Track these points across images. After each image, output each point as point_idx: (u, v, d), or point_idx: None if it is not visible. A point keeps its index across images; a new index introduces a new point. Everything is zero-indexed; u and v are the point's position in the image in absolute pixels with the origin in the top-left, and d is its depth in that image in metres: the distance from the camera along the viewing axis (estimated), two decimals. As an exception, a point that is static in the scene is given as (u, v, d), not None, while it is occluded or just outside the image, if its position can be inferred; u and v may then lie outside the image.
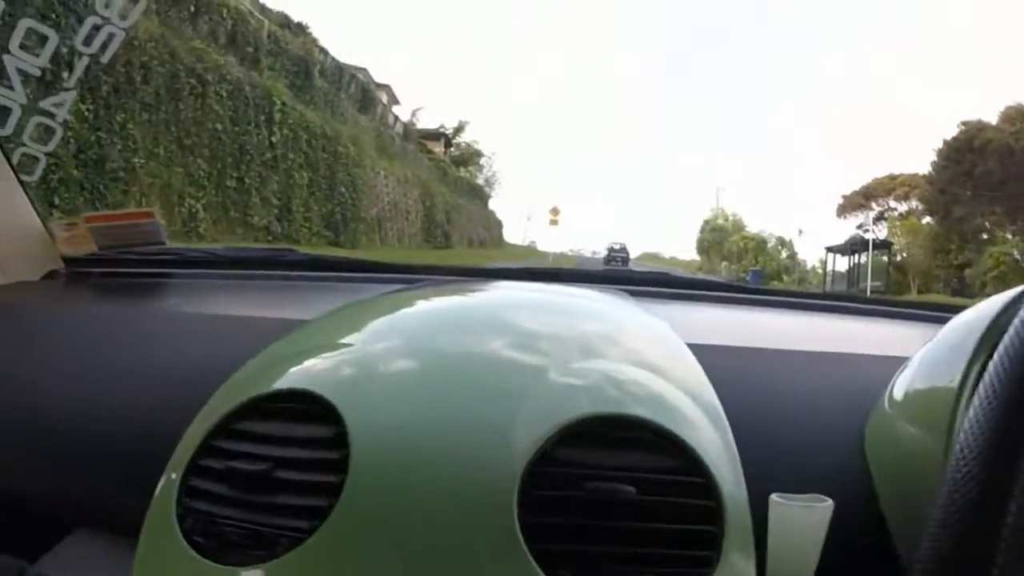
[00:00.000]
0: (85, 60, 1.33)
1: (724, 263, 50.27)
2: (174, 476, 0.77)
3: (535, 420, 0.74)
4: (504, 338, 0.91)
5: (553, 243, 35.00)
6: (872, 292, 29.26)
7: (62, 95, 1.38)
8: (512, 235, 50.10)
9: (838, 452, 0.89)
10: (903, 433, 0.85)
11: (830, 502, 0.73)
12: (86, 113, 10.41)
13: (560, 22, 75.03)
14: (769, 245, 52.88)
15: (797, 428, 0.93)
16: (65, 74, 1.39)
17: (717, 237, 54.59)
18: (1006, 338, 0.60)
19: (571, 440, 0.73)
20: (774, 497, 0.73)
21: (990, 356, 0.68)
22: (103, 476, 0.99)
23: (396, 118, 32.87)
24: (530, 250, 43.55)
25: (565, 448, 0.72)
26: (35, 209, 1.48)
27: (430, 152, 35.90)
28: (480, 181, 47.04)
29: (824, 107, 72.66)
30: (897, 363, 0.92)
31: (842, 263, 34.81)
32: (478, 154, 47.60)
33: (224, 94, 15.07)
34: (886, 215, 41.25)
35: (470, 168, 46.07)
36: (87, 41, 1.29)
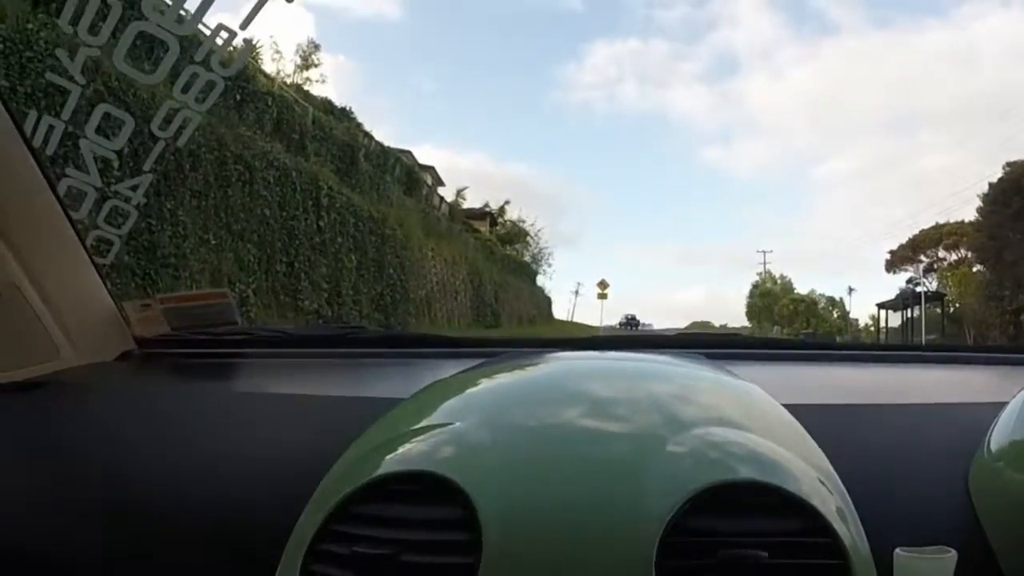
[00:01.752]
0: (161, 144, 1.35)
1: (775, 327, 49.90)
2: (293, 563, 0.76)
3: (662, 492, 0.73)
4: (612, 409, 0.90)
5: (603, 317, 34.83)
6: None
7: (137, 179, 1.40)
8: (560, 311, 50.02)
9: (945, 503, 0.88)
10: (1009, 480, 0.84)
11: (954, 553, 0.71)
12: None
13: (599, 97, 75.84)
14: (820, 306, 52.61)
15: (902, 482, 0.92)
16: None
17: (766, 301, 54.41)
18: None
19: (699, 509, 0.72)
20: (899, 552, 0.72)
21: None
22: (195, 565, 0.97)
23: (441, 199, 33.34)
24: (578, 325, 43.35)
25: (694, 517, 0.72)
26: (108, 290, 1.50)
27: (476, 231, 36.16)
28: (527, 258, 47.08)
29: (865, 159, 72.33)
30: (989, 409, 0.92)
31: (894, 319, 34.41)
32: (524, 232, 47.64)
33: (271, 180, 15.34)
34: (935, 266, 40.95)
35: (516, 246, 46.16)
36: (163, 126, 1.31)
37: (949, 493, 0.89)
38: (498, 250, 38.54)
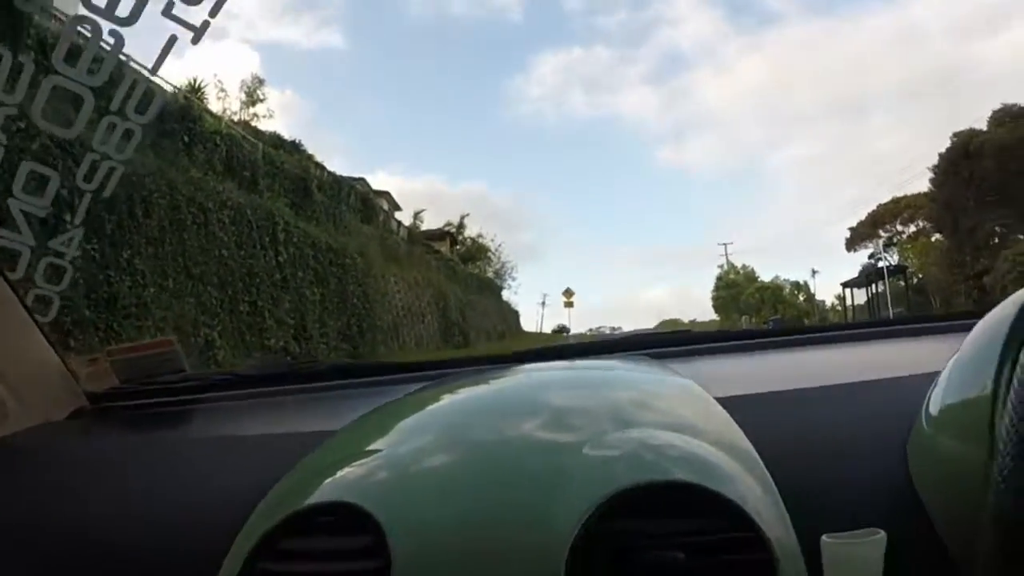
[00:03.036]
0: (88, 197, 1.34)
1: (743, 317, 50.44)
2: None
3: (574, 499, 0.73)
4: (535, 419, 0.91)
5: (571, 325, 35.28)
6: (896, 318, 29.33)
7: (69, 233, 1.39)
8: (530, 323, 50.30)
9: (885, 480, 0.88)
10: (944, 448, 0.84)
11: (882, 534, 0.71)
12: (92, 253, 10.50)
13: (549, 107, 76.22)
14: (785, 292, 53.04)
15: (839, 464, 0.92)
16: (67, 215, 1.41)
17: (732, 293, 54.88)
18: None
19: (613, 513, 0.72)
20: (825, 538, 0.72)
21: (1016, 359, 0.69)
22: None
23: (399, 223, 33.24)
24: (547, 335, 43.90)
25: (608, 522, 0.72)
26: (54, 348, 1.49)
27: (436, 252, 36.14)
28: (490, 274, 47.26)
29: (817, 144, 73.21)
30: (929, 380, 0.92)
31: (860, 296, 34.78)
32: (484, 248, 47.99)
33: (227, 220, 15.25)
34: (895, 240, 41.52)
35: (478, 263, 46.41)
36: (88, 178, 1.31)
37: (887, 473, 0.89)
38: (460, 269, 38.54)
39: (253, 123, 24.98)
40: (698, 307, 73.97)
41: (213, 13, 1.17)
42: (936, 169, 31.39)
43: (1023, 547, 0.57)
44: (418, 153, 72.60)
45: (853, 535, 0.72)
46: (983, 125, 30.03)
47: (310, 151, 25.36)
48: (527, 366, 1.40)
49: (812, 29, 65.70)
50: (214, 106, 22.72)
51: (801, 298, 52.92)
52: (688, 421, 0.89)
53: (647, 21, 75.17)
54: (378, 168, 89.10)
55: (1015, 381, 0.60)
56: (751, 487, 0.78)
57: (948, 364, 0.88)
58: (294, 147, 24.20)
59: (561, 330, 46.23)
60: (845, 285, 36.38)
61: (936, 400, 0.87)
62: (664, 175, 74.85)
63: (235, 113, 24.90)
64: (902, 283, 33.00)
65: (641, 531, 0.72)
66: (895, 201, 41.00)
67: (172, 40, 1.22)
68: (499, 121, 69.74)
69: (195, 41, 1.22)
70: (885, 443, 0.92)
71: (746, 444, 0.86)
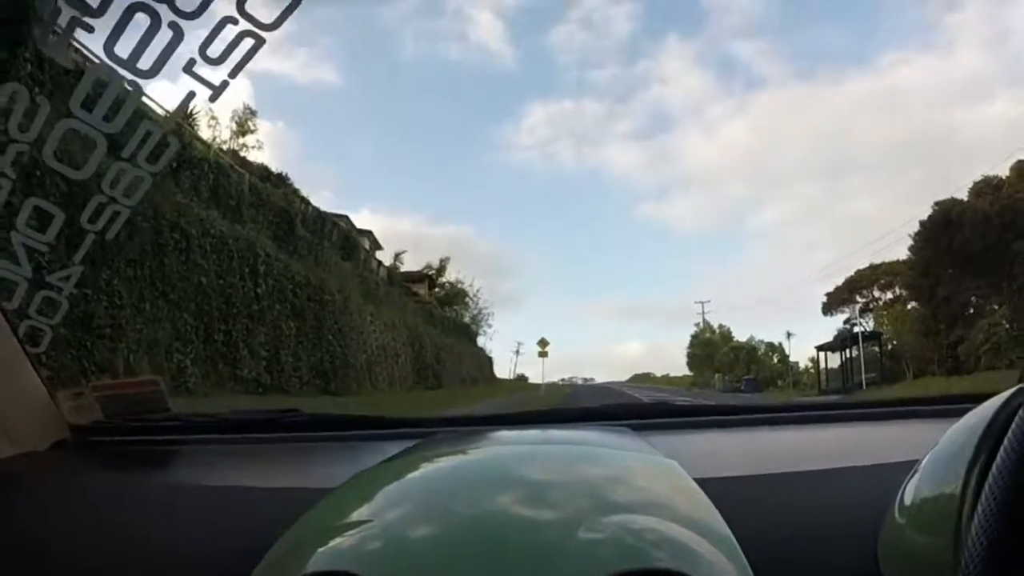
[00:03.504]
0: (91, 237, 1.37)
1: (717, 375, 50.26)
2: None
3: None
4: (527, 495, 0.92)
5: (544, 374, 35.43)
6: (868, 384, 29.16)
7: (68, 270, 1.41)
8: (502, 370, 50.00)
9: (855, 569, 0.90)
10: (913, 542, 0.85)
11: None
12: (72, 271, 10.43)
13: (536, 157, 76.68)
14: (760, 352, 52.92)
15: (812, 551, 0.94)
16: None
17: (707, 351, 54.68)
18: (1004, 444, 0.62)
19: None
20: None
21: (989, 460, 0.70)
22: None
23: (379, 263, 33.11)
24: (521, 384, 43.48)
25: None
26: (42, 379, 1.49)
27: (415, 294, 36.01)
28: (467, 319, 46.92)
29: (797, 206, 73.81)
30: (904, 468, 0.92)
31: (834, 359, 34.88)
32: (463, 292, 48.14)
33: (208, 247, 15.22)
34: (871, 306, 41.54)
35: (456, 307, 46.00)
36: (93, 219, 1.33)
37: (858, 558, 0.90)
38: (438, 312, 38.32)
39: (242, 153, 24.81)
40: (671, 363, 73.98)
41: (233, 75, 1.20)
42: (916, 236, 31.58)
43: None
44: (403, 193, 72.32)
45: None
46: (963, 194, 30.35)
47: (296, 184, 25.39)
48: (511, 434, 1.41)
49: (796, 93, 65.97)
50: (204, 133, 22.68)
51: (775, 359, 52.96)
52: (672, 504, 0.90)
53: (637, 78, 74.96)
54: (362, 205, 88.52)
55: (987, 482, 0.61)
56: (729, 573, 0.79)
57: (926, 457, 0.89)
58: (280, 180, 24.17)
59: (520, 378, 46.63)
60: (820, 348, 36.58)
61: (910, 492, 0.88)
62: (646, 230, 74.73)
63: (225, 142, 24.72)
64: (876, 349, 33.14)
65: None
66: (872, 267, 41.07)
67: (191, 95, 1.26)
68: (487, 167, 69.61)
69: (213, 99, 1.26)
70: (859, 532, 0.93)
71: (726, 530, 0.86)
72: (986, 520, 0.59)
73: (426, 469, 1.09)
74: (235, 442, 1.62)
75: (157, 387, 1.66)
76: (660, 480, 1.02)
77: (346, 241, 26.62)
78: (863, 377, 29.40)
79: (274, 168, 25.10)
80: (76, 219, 1.34)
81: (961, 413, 0.87)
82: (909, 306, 36.82)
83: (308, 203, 24.33)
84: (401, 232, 70.29)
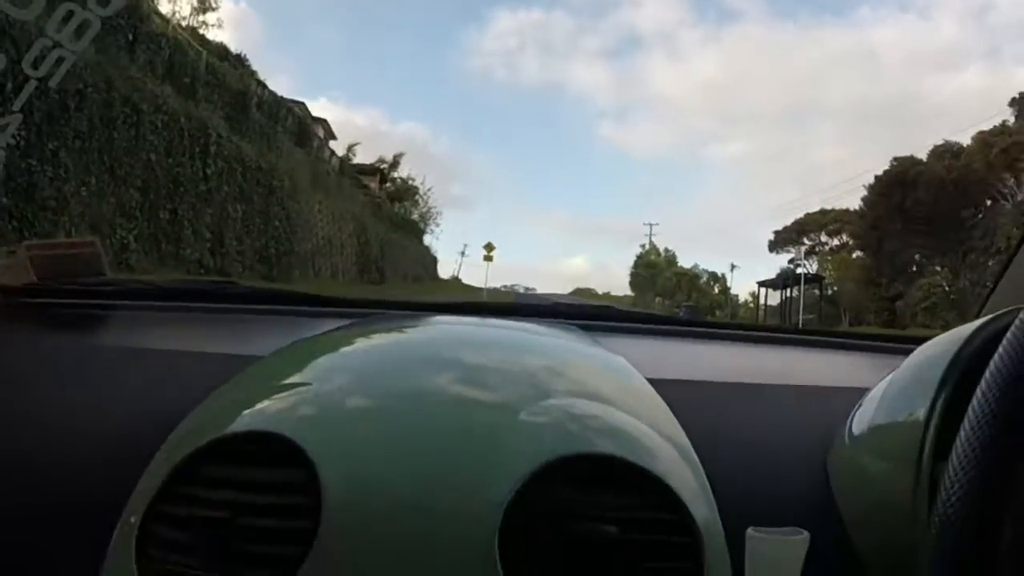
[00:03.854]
0: (33, 83, 1.28)
1: (657, 299, 50.58)
2: (132, 522, 0.74)
3: (511, 462, 0.73)
4: (467, 376, 0.90)
5: (487, 279, 33.51)
6: (804, 324, 30.00)
7: (6, 119, 1.32)
8: (446, 271, 49.99)
9: (804, 485, 0.90)
10: (869, 467, 0.86)
11: (806, 534, 0.72)
12: (17, 139, 10.14)
13: (499, 64, 75.79)
14: (701, 280, 54.06)
15: (763, 462, 0.93)
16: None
17: (650, 273, 55.22)
18: (991, 368, 0.59)
19: (548, 481, 0.72)
20: (751, 531, 0.73)
21: (955, 389, 0.71)
22: (48, 526, 0.90)
23: (332, 153, 32.81)
24: (464, 286, 43.44)
25: (543, 489, 0.71)
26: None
27: (366, 187, 35.70)
28: (415, 217, 47.32)
29: (757, 145, 74.16)
30: (853, 394, 0.93)
31: (774, 297, 35.42)
32: (413, 190, 47.80)
33: (159, 124, 14.91)
34: (816, 249, 42.78)
35: (405, 203, 45.90)
36: (36, 64, 1.24)
37: (808, 475, 0.90)
38: (386, 207, 38.09)
39: (201, 31, 24.31)
40: (614, 282, 74.97)
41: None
42: (871, 189, 32.38)
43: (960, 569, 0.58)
44: (362, 86, 71.76)
45: (778, 531, 0.73)
46: (923, 155, 31.06)
47: (255, 67, 24.95)
48: (454, 318, 1.39)
49: (771, 33, 66.44)
50: (164, 7, 22.05)
51: (716, 289, 53.99)
52: (622, 398, 0.89)
53: None
54: (320, 94, 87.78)
55: (967, 415, 0.59)
56: (682, 471, 0.78)
57: (880, 386, 0.89)
58: (239, 61, 23.72)
59: (453, 279, 46.77)
60: (761, 284, 37.04)
61: (863, 419, 0.88)
62: (602, 149, 75.60)
63: (184, 18, 24.14)
64: (816, 292, 33.74)
65: (572, 501, 0.72)
66: (823, 212, 41.91)
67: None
68: (450, 69, 69.35)
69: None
70: (807, 449, 0.93)
71: (678, 429, 0.86)
72: (969, 444, 0.58)
73: (364, 343, 1.07)
74: (171, 309, 1.58)
75: (94, 248, 1.58)
76: (611, 374, 1.01)
77: (300, 127, 26.10)
78: (800, 317, 29.80)
79: (233, 49, 24.64)
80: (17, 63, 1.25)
81: (901, 352, 0.91)
82: (854, 255, 37.92)
83: (265, 86, 23.96)
84: (358, 126, 70.16)
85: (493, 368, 0.95)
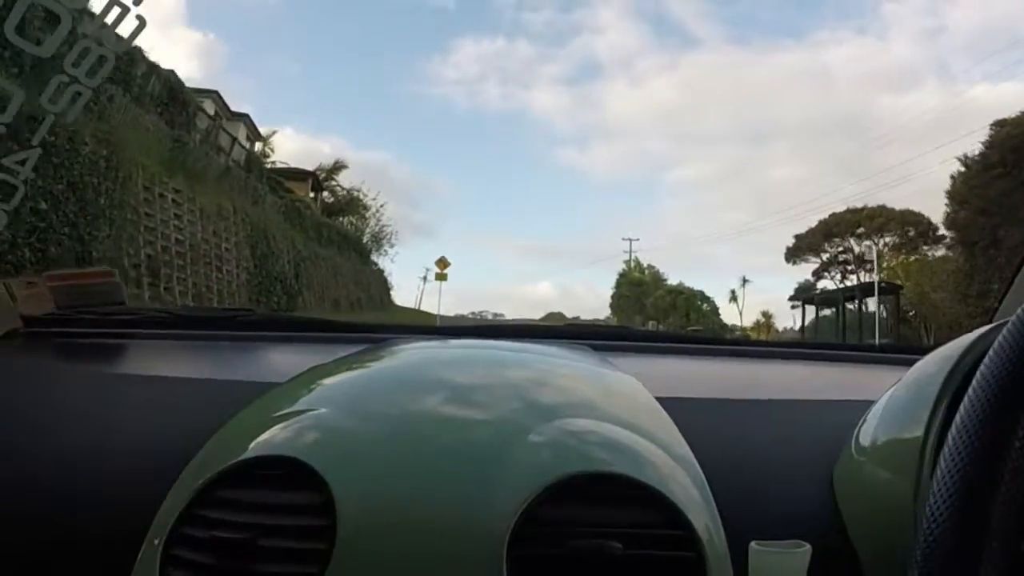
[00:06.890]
0: (51, 119, 1.30)
1: (651, 322, 45.34)
2: (156, 544, 0.77)
3: (518, 481, 0.76)
4: (478, 399, 0.94)
5: (440, 304, 29.08)
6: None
7: (25, 153, 1.34)
8: (405, 298, 45.21)
9: (810, 498, 0.92)
10: (872, 477, 0.88)
11: (808, 547, 0.74)
12: None
13: (461, 92, 76.77)
14: (704, 306, 49.15)
15: (768, 476, 0.95)
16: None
17: (636, 292, 51.13)
18: (972, 385, 0.60)
19: (554, 499, 0.75)
20: (753, 545, 0.74)
21: (953, 401, 0.73)
22: (73, 550, 0.93)
23: (235, 140, 26.90)
24: (417, 313, 39.15)
25: (549, 507, 0.74)
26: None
27: (288, 191, 30.61)
28: (366, 235, 42.63)
29: (715, 167, 74.28)
30: (858, 407, 0.96)
31: (811, 313, 30.12)
32: (359, 203, 43.09)
33: None
34: (839, 258, 37.32)
35: (351, 218, 42.33)
36: (54, 100, 1.26)
37: (814, 488, 0.92)
38: (312, 216, 31.64)
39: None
40: (581, 305, 75.28)
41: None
42: (971, 161, 21.90)
43: None
44: (326, 115, 72.75)
45: (780, 545, 0.74)
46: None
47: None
48: (469, 341, 1.42)
49: (727, 57, 66.89)
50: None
51: (704, 307, 49.77)
52: (630, 418, 0.91)
53: (572, 24, 75.90)
54: (286, 124, 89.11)
55: (951, 429, 0.60)
56: (687, 488, 0.80)
57: (884, 397, 0.91)
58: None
59: (413, 309, 40.63)
60: (805, 302, 31.31)
61: (868, 430, 0.90)
62: (563, 175, 76.28)
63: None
64: (888, 307, 25.00)
65: (578, 517, 0.74)
66: (852, 211, 36.37)
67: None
68: (413, 97, 70.52)
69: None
70: (813, 463, 0.95)
71: (684, 447, 0.88)
72: (952, 458, 0.58)
73: (377, 369, 1.12)
74: (188, 337, 1.63)
75: (112, 279, 1.64)
76: (620, 394, 1.04)
77: (172, 98, 20.17)
78: (876, 342, 20.05)
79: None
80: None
81: (906, 363, 0.93)
82: (936, 255, 29.81)
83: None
84: (323, 154, 70.43)
85: (503, 390, 0.98)
